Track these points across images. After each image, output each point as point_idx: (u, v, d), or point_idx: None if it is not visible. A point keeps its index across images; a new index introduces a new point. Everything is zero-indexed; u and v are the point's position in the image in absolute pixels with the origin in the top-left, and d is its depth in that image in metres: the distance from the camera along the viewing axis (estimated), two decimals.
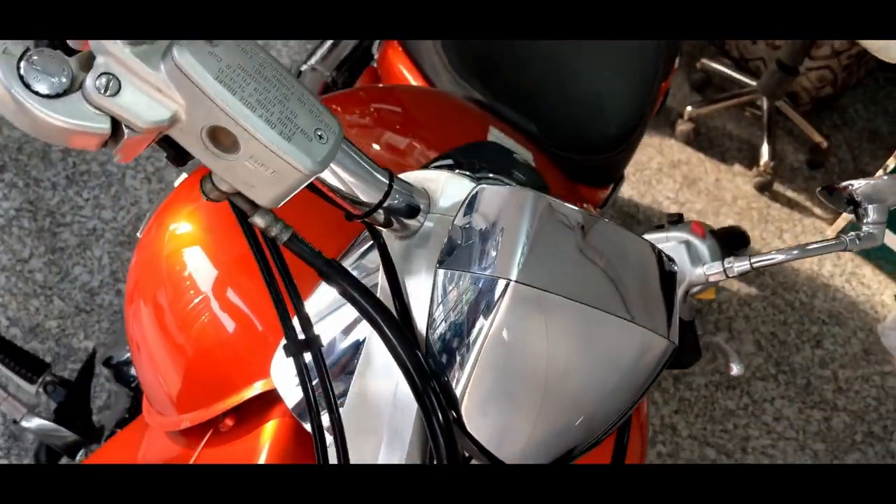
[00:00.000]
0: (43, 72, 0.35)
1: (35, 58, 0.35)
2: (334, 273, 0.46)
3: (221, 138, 0.39)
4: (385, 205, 0.47)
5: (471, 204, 0.47)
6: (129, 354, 1.00)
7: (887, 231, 2.24)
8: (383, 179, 0.47)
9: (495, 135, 0.97)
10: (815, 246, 0.69)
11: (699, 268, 0.74)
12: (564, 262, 0.45)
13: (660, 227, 0.83)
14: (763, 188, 2.38)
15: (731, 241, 0.93)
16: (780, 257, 0.70)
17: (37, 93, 0.35)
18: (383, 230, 0.50)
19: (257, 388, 0.62)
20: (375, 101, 0.95)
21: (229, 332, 0.66)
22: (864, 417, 1.98)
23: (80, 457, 1.05)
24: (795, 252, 0.69)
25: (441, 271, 0.46)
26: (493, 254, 0.44)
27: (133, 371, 1.03)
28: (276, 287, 0.46)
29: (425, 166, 0.80)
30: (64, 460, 1.11)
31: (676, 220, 0.81)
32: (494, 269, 0.44)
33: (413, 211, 0.49)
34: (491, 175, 0.72)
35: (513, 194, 0.47)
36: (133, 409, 1.03)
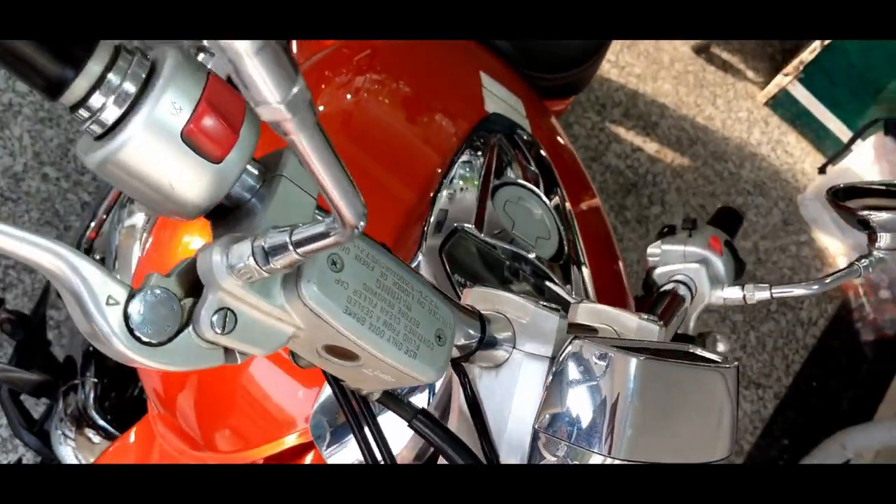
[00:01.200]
0: (152, 320, 0.30)
1: (143, 305, 0.30)
2: (427, 427, 0.42)
3: (341, 352, 0.35)
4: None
5: (566, 359, 0.43)
6: None
7: (810, 97, 2.26)
8: (474, 333, 0.42)
9: (487, 82, 0.91)
10: (832, 278, 0.70)
11: (718, 290, 0.72)
12: (665, 430, 0.41)
13: (672, 231, 0.78)
14: (700, 50, 2.32)
15: (727, 221, 0.89)
16: (800, 291, 0.70)
17: (147, 343, 0.30)
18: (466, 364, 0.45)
19: (291, 440, 0.56)
20: (365, 60, 0.84)
21: (271, 380, 0.59)
22: None
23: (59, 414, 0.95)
24: (815, 287, 0.69)
25: (542, 435, 0.41)
26: (598, 430, 0.41)
27: None
28: (364, 440, 0.41)
29: (441, 184, 0.70)
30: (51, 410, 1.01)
31: (691, 227, 0.77)
32: (600, 447, 0.40)
33: (497, 344, 0.44)
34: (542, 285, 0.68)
35: (616, 361, 0.42)
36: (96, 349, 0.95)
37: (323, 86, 0.80)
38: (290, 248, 0.29)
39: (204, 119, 0.30)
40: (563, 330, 0.44)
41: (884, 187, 0.75)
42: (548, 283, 0.67)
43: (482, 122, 0.83)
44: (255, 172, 0.33)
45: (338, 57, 0.83)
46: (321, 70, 0.82)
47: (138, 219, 0.88)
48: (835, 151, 2.28)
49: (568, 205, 0.80)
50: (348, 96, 0.78)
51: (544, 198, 0.76)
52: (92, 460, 0.89)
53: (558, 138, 1.04)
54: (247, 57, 0.20)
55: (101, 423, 0.92)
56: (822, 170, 2.24)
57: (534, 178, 0.79)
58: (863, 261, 0.70)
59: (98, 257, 1.08)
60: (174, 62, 0.30)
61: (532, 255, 0.68)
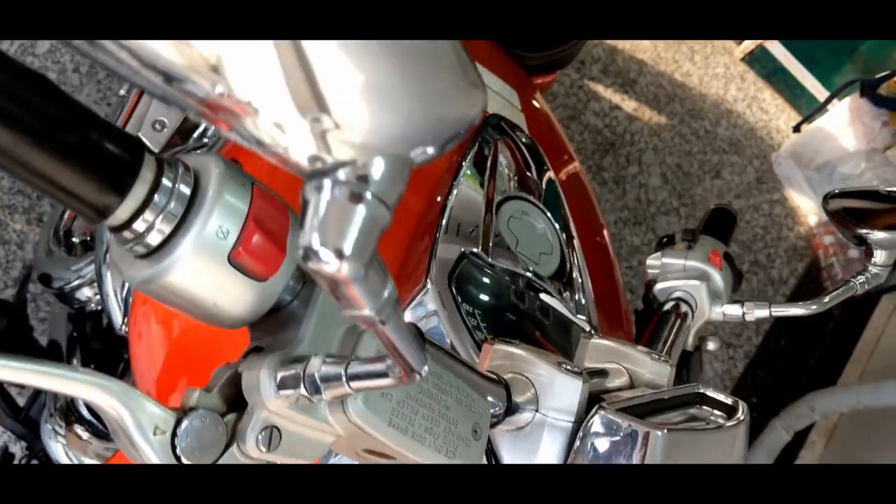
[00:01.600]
0: (198, 446, 0.30)
1: (189, 432, 0.30)
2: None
3: (381, 454, 0.34)
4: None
5: (590, 433, 0.43)
6: (72, 277, 0.90)
7: (787, 54, 2.25)
8: (500, 402, 0.42)
9: (482, 75, 0.88)
10: (829, 298, 0.70)
11: (717, 306, 0.72)
12: None
13: (671, 241, 0.78)
14: None
15: (722, 225, 0.88)
16: (798, 311, 0.71)
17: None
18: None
19: None
20: None
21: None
22: (752, 247, 2.11)
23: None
24: (814, 307, 0.70)
25: None
26: None
27: (80, 294, 0.92)
28: None
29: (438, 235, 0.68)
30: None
31: (690, 239, 0.77)
32: None
33: (520, 408, 0.44)
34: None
35: (640, 434, 0.42)
36: (80, 334, 0.93)
37: None
38: (344, 382, 0.28)
39: (252, 240, 0.28)
40: (586, 393, 0.44)
41: (881, 206, 0.75)
42: (554, 306, 0.67)
43: (483, 124, 0.81)
44: (297, 274, 0.32)
45: None
46: None
47: None
48: (810, 111, 2.29)
49: (567, 211, 0.79)
50: None
51: (546, 211, 0.74)
52: (84, 459, 0.87)
53: (551, 129, 1.02)
54: (353, 283, 0.19)
55: (88, 416, 0.90)
56: (796, 128, 2.24)
57: (535, 186, 0.78)
58: (859, 277, 0.71)
59: (78, 240, 1.05)
60: (219, 176, 0.28)
61: (537, 275, 0.68)
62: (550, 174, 0.81)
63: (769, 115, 2.31)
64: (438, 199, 0.69)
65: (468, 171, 0.74)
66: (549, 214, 0.74)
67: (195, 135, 1.17)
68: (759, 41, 2.26)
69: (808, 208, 2.21)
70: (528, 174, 0.80)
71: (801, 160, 2.18)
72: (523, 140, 0.85)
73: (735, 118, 2.25)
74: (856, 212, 0.75)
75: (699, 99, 2.22)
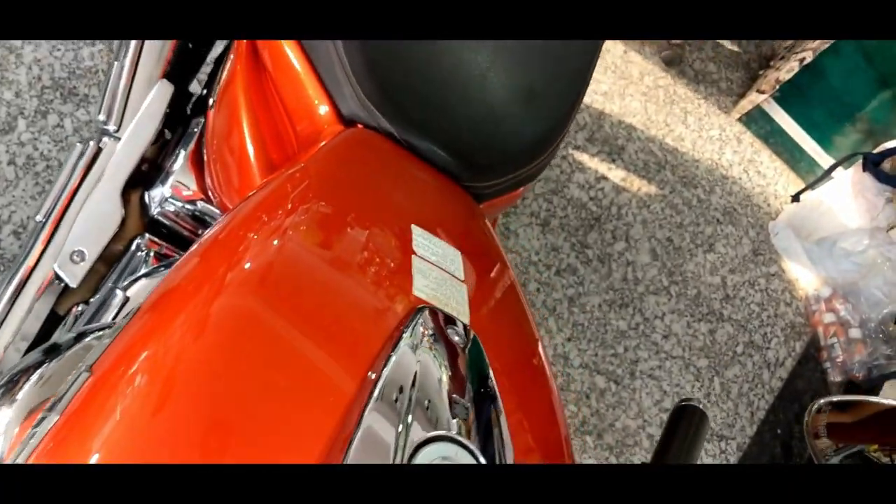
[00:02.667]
0: None
1: None
2: None
3: None
4: None
5: None
6: None
7: (785, 115, 2.13)
8: None
9: (419, 237, 0.75)
10: None
11: None
12: None
13: None
14: (671, 62, 2.15)
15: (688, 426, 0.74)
16: None
17: None
18: None
19: None
20: (305, 202, 0.69)
21: None
22: (747, 326, 1.99)
23: None
24: None
25: None
26: None
27: None
28: None
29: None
30: None
31: None
32: None
33: None
34: None
35: None
36: None
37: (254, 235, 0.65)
38: None
39: None
40: None
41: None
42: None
43: (410, 320, 0.69)
44: None
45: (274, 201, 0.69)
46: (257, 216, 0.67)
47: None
48: (809, 175, 2.16)
49: (509, 451, 0.66)
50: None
51: (480, 457, 0.62)
52: None
53: (500, 284, 0.89)
54: None
55: None
56: (795, 198, 2.12)
57: (463, 413, 0.65)
58: None
59: None
60: None
61: None
62: (496, 393, 0.69)
63: (767, 180, 2.18)
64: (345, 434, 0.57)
65: (382, 394, 0.62)
66: (482, 460, 0.62)
67: (119, 264, 1.06)
68: (756, 102, 2.13)
69: (806, 282, 2.08)
70: (461, 399, 0.67)
71: (800, 231, 2.05)
72: (458, 336, 0.72)
73: (730, 184, 2.12)
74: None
75: (692, 165, 2.09)
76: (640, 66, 2.14)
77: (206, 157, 1.02)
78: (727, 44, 2.28)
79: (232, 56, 1.03)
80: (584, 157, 1.96)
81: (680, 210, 2.02)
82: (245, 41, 1.04)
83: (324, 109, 0.93)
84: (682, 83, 2.18)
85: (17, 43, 1.52)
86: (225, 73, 1.02)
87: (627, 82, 2.10)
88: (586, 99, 2.02)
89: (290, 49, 0.96)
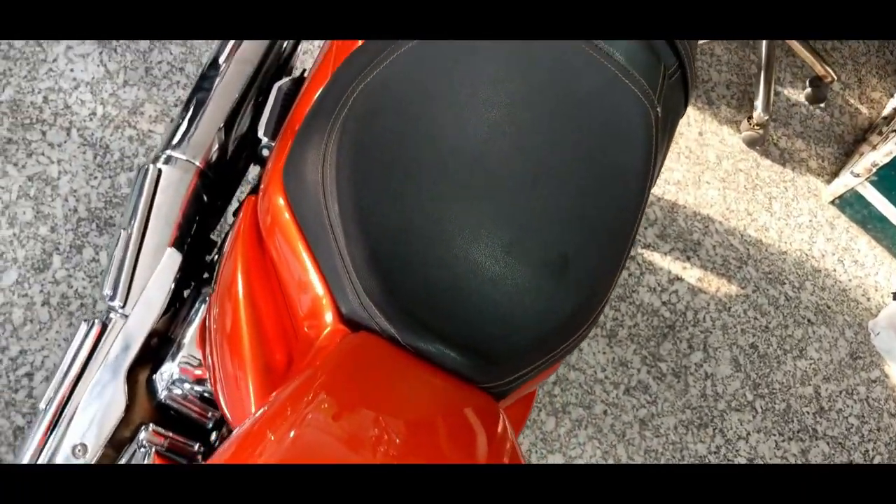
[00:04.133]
0: None
1: None
2: None
3: None
4: None
5: None
6: None
7: (884, 199, 1.90)
8: None
9: None
10: None
11: None
12: None
13: None
14: (753, 143, 1.96)
15: None
16: None
17: None
18: None
19: None
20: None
21: None
22: (845, 443, 1.77)
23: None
24: None
25: None
26: None
27: None
28: None
29: None
30: None
31: None
32: None
33: None
34: None
35: None
36: None
37: None
38: None
39: None
40: None
41: None
42: None
43: None
44: None
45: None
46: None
47: None
48: None
49: None
50: None
51: None
52: None
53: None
54: None
55: None
56: None
57: None
58: None
59: None
60: None
61: None
62: None
63: (865, 270, 1.96)
64: None
65: None
66: None
67: (126, 447, 0.99)
68: (851, 186, 1.92)
69: None
70: None
71: None
72: None
73: (823, 278, 1.91)
74: None
75: (778, 258, 1.89)
76: (718, 150, 1.95)
77: (206, 343, 0.95)
78: (817, 117, 2.07)
79: (235, 238, 0.95)
80: (655, 257, 1.79)
81: (765, 311, 1.83)
82: (248, 223, 0.96)
83: (325, 307, 0.83)
84: (766, 165, 1.98)
85: (54, 174, 1.48)
86: (227, 255, 0.94)
87: (703, 168, 1.93)
88: (656, 190, 1.86)
89: (293, 237, 0.87)
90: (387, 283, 0.77)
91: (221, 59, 1.12)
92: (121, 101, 1.57)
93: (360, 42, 0.95)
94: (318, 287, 0.81)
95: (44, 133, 1.51)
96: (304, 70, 1.11)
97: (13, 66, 1.54)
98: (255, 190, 1.01)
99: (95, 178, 1.50)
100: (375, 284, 0.76)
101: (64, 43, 1.58)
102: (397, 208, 0.81)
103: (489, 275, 0.79)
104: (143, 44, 1.63)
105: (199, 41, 1.66)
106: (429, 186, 0.82)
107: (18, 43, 1.55)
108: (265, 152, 1.08)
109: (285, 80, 1.07)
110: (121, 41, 1.62)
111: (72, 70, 1.57)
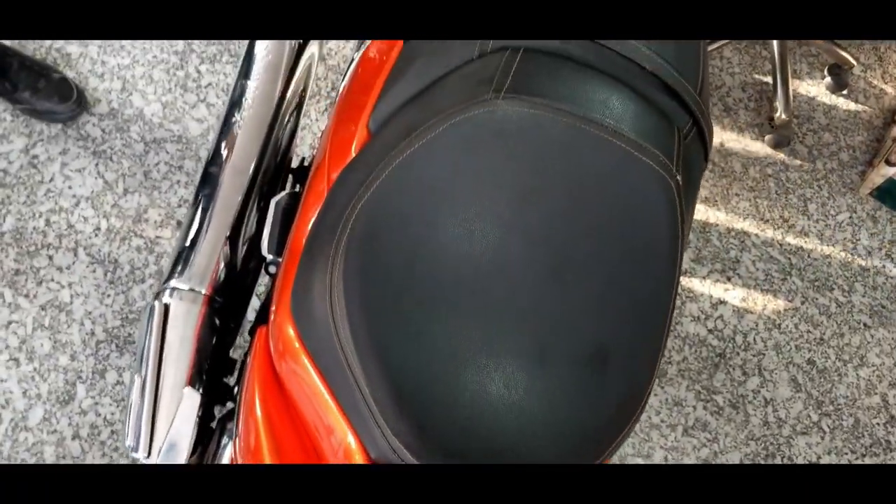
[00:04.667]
0: None
1: None
2: None
3: None
4: None
5: None
6: None
7: None
8: None
9: None
10: None
11: None
12: None
13: None
14: (779, 144, 1.87)
15: None
16: None
17: None
18: None
19: None
20: None
21: None
22: None
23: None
24: None
25: None
26: None
27: None
28: None
29: None
30: None
31: None
32: None
33: None
34: None
35: None
36: None
37: None
38: None
39: None
40: None
41: None
42: None
43: None
44: None
45: None
46: None
47: None
48: None
49: None
50: None
51: None
52: None
53: None
54: None
55: None
56: None
57: None
58: None
59: None
60: None
61: None
62: None
63: None
64: None
65: None
66: None
67: None
68: (888, 175, 1.82)
69: None
70: None
71: None
72: None
73: (873, 276, 1.81)
74: None
75: (823, 263, 1.80)
76: (743, 158, 1.87)
77: None
78: (840, 103, 1.98)
79: (251, 370, 0.91)
80: (693, 283, 1.71)
81: (817, 322, 1.74)
82: (262, 356, 0.92)
83: (353, 451, 0.78)
84: (795, 166, 1.89)
85: (66, 298, 1.44)
86: (245, 388, 0.90)
87: (731, 180, 1.84)
88: None
89: (308, 374, 0.83)
90: (417, 424, 0.71)
91: (214, 170, 1.07)
92: (123, 211, 1.53)
93: (352, 155, 0.90)
94: (343, 427, 0.76)
95: (50, 258, 1.48)
96: (304, 165, 1.05)
97: (11, 193, 1.51)
98: (264, 318, 0.96)
99: (108, 295, 1.46)
100: (405, 426, 0.71)
101: (58, 161, 1.55)
102: (416, 345, 0.75)
103: (525, 392, 0.73)
104: (139, 147, 1.59)
105: (194, 135, 1.62)
106: (445, 311, 0.75)
107: (13, 168, 1.52)
108: (272, 269, 1.03)
109: (282, 194, 1.02)
110: (115, 150, 1.58)
111: (70, 187, 1.53)
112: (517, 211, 0.80)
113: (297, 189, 1.03)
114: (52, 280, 1.46)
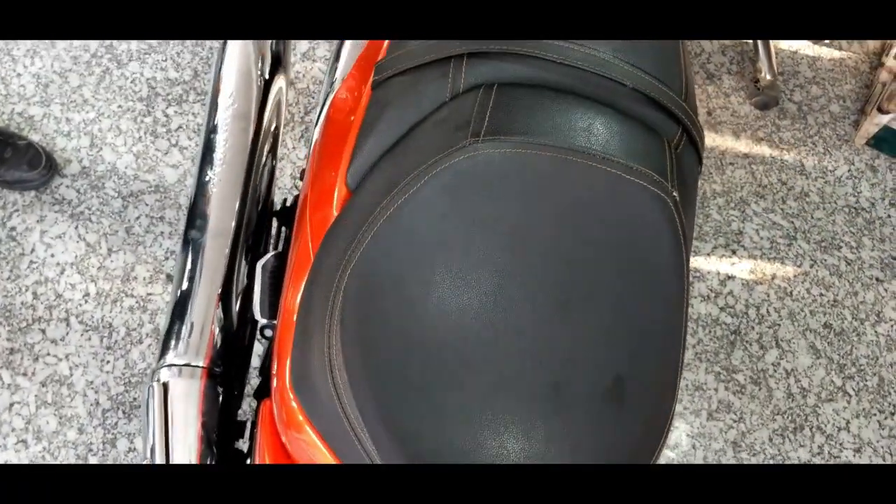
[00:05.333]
0: None
1: None
2: None
3: None
4: None
5: None
6: None
7: None
8: None
9: None
10: None
11: None
12: None
13: None
14: (767, 105, 1.83)
15: None
16: None
17: None
18: None
19: None
20: None
21: None
22: None
23: None
24: None
25: None
26: None
27: None
28: None
29: None
30: None
31: None
32: None
33: None
34: None
35: None
36: None
37: None
38: None
39: None
40: None
41: None
42: None
43: None
44: None
45: None
46: None
47: None
48: None
49: None
50: None
51: None
52: None
53: None
54: None
55: None
56: None
57: None
58: None
59: None
60: None
61: None
62: None
63: None
64: None
65: None
66: None
67: None
68: (882, 123, 1.77)
69: None
70: None
71: None
72: None
73: (879, 228, 1.78)
74: None
75: (827, 222, 1.76)
76: (732, 125, 1.82)
77: None
78: (824, 53, 1.93)
79: (261, 447, 0.88)
80: (699, 261, 1.68)
81: (829, 284, 1.70)
82: (269, 433, 0.89)
83: None
84: (786, 125, 1.84)
85: (66, 371, 1.41)
86: (255, 458, 0.88)
87: (723, 149, 1.80)
88: None
89: (322, 455, 0.80)
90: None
91: (194, 234, 1.04)
92: (110, 273, 1.49)
93: (334, 216, 0.86)
94: None
95: (43, 331, 1.44)
96: (285, 236, 1.01)
97: None
98: (266, 391, 0.93)
99: (108, 362, 1.43)
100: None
101: (37, 229, 1.50)
102: (427, 411, 0.71)
103: (546, 439, 0.70)
104: (116, 204, 1.55)
105: (170, 182, 1.58)
106: (452, 371, 0.72)
107: None
108: (267, 332, 1.00)
109: (267, 257, 0.98)
110: (93, 210, 1.53)
111: (52, 255, 1.49)
112: (511, 253, 0.77)
113: (282, 232, 1.00)
114: (49, 354, 1.43)
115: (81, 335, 1.45)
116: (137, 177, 1.58)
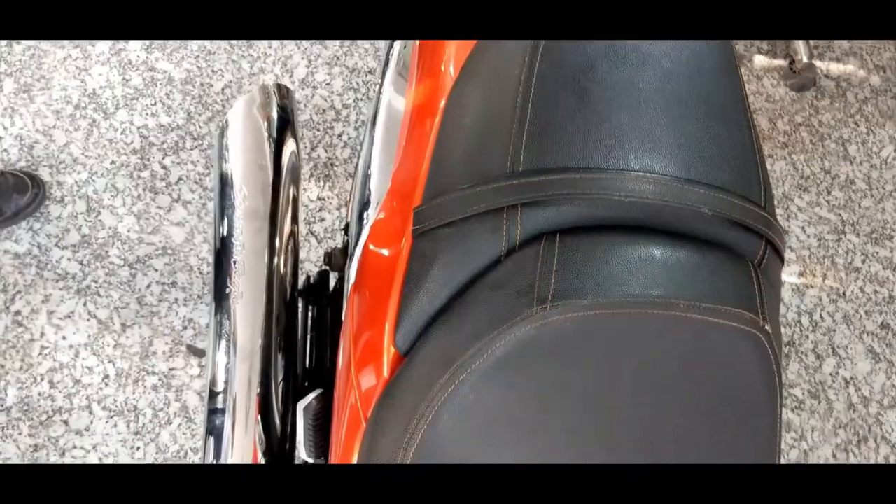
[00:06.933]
0: None
1: None
2: None
3: None
4: None
5: None
6: None
7: None
8: None
9: None
10: None
11: None
12: None
13: None
14: (804, 87, 1.70)
15: None
16: None
17: None
18: None
19: None
20: None
21: None
22: None
23: None
24: None
25: None
26: None
27: None
28: None
29: None
30: None
31: None
32: None
33: None
34: None
35: None
36: None
37: None
38: None
39: None
40: None
41: None
42: None
43: None
44: None
45: None
46: None
47: None
48: None
49: None
50: None
51: None
52: None
53: None
54: None
55: None
56: None
57: None
58: None
59: None
60: None
61: None
62: None
63: None
64: None
65: None
66: None
67: None
68: None
69: None
70: None
71: None
72: None
73: None
74: None
75: (876, 211, 1.66)
76: (768, 111, 1.69)
77: None
78: None
79: None
80: None
81: (882, 279, 1.61)
82: None
83: None
84: (825, 105, 1.72)
85: (94, 462, 1.33)
86: None
87: (762, 139, 1.67)
88: None
89: None
90: None
91: (220, 376, 0.94)
92: (127, 350, 1.41)
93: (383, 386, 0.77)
94: None
95: (66, 422, 1.36)
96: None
97: (4, 360, 1.38)
98: None
99: (138, 448, 1.35)
100: None
101: (43, 311, 1.41)
102: None
103: None
104: (124, 273, 1.45)
105: (178, 242, 1.47)
106: None
107: None
108: None
109: (309, 398, 0.89)
110: (99, 282, 1.44)
111: (63, 338, 1.40)
112: (592, 420, 0.68)
113: (309, 311, 0.91)
114: (75, 447, 1.35)
115: (106, 422, 1.37)
116: (142, 240, 1.47)
